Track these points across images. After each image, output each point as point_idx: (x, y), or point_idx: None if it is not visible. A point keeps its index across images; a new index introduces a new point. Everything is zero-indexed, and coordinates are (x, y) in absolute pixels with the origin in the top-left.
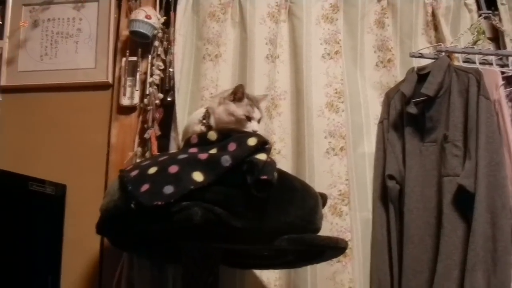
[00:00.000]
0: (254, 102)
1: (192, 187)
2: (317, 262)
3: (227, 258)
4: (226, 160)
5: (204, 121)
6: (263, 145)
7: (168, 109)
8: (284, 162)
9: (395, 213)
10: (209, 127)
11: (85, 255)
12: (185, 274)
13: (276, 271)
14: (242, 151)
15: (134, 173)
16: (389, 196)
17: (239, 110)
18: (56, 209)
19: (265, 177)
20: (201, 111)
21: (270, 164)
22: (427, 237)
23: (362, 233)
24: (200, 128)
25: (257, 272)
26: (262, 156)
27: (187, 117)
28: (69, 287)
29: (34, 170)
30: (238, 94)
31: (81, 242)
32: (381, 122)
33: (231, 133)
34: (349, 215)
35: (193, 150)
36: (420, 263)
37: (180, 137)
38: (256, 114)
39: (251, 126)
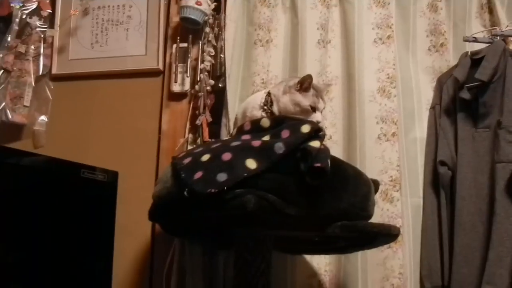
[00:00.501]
0: (318, 92)
1: (245, 174)
2: (368, 248)
3: (278, 243)
4: (279, 147)
5: (265, 107)
6: (317, 132)
7: (219, 95)
8: (335, 147)
9: (446, 199)
10: (271, 114)
11: (137, 240)
12: (238, 261)
13: (327, 256)
14: (295, 138)
15: (187, 160)
16: (441, 182)
17: (305, 100)
18: (108, 195)
19: (318, 164)
20: (260, 96)
21: (324, 151)
22: (479, 224)
23: (412, 219)
24: (261, 114)
25: (308, 257)
26: (315, 144)
27: (238, 103)
28: (121, 272)
29: (86, 157)
30: (305, 85)
31: (132, 228)
32: (433, 107)
33: (285, 120)
34: (400, 201)
35: (245, 137)
36: (471, 250)
37: (232, 122)
38: (320, 104)
39: (316, 117)
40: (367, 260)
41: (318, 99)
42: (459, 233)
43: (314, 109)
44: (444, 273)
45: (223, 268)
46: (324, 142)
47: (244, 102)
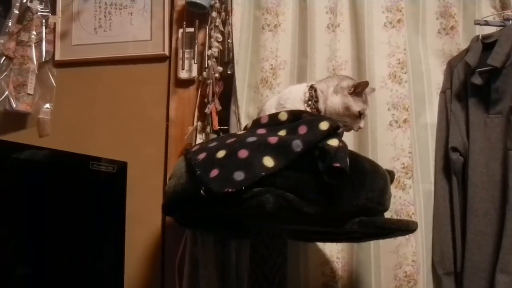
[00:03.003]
0: (366, 97)
1: (263, 173)
2: (383, 239)
3: (291, 232)
4: (297, 145)
5: (309, 102)
6: (335, 129)
7: (227, 82)
8: (346, 135)
9: (458, 186)
10: (316, 111)
11: (148, 230)
12: (254, 256)
13: (339, 243)
14: (313, 136)
15: (201, 155)
16: (453, 169)
17: (355, 106)
18: (118, 186)
19: (338, 164)
20: (302, 89)
21: (343, 150)
22: (492, 210)
23: (424, 205)
24: (304, 108)
25: (320, 245)
26: (334, 142)
27: (247, 90)
28: (133, 262)
29: (92, 145)
30: (359, 89)
31: (143, 218)
32: (443, 91)
33: (302, 114)
34: (412, 188)
35: (261, 131)
36: (484, 237)
37: (241, 109)
38: (367, 111)
39: (360, 123)
40: (380, 248)
41: (365, 105)
42: (472, 220)
43: (361, 115)
44: (456, 259)
45: (235, 258)
46: None
47: (281, 94)
